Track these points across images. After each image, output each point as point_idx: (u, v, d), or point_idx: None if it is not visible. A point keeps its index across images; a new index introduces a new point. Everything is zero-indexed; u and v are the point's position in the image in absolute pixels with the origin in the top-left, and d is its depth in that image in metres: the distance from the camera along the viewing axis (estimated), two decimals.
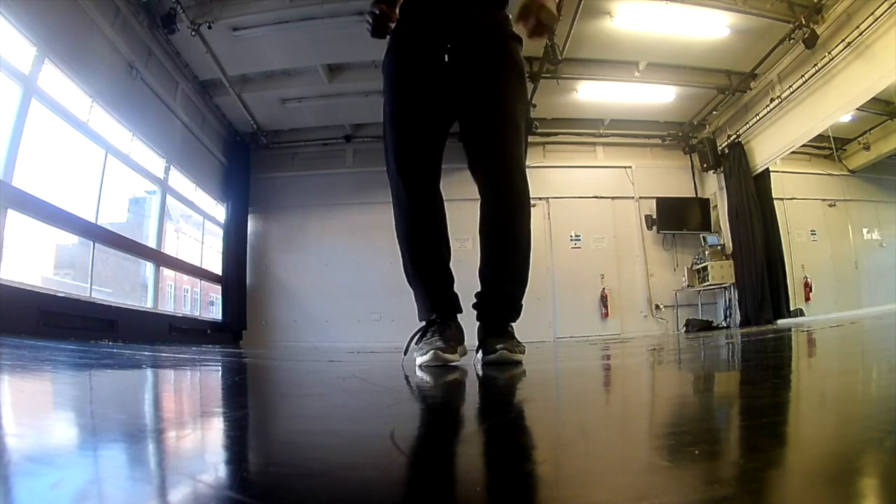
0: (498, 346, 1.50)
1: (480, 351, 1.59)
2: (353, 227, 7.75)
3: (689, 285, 7.99)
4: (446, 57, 1.66)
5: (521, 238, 1.65)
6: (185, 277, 7.37)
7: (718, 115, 7.82)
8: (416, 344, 1.61)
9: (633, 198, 8.24)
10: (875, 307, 6.44)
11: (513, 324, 1.66)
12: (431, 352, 1.50)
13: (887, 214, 8.35)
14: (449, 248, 1.75)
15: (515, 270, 1.65)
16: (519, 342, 1.59)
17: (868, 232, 8.39)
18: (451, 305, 1.69)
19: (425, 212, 1.71)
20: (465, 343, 1.67)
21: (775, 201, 7.62)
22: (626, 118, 7.91)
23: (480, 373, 1.39)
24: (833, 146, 8.19)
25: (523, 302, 1.68)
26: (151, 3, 5.43)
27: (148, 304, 6.01)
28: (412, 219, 1.70)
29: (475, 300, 1.69)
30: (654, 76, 6.86)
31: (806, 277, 7.77)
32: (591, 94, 7.19)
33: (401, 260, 1.74)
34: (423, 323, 1.66)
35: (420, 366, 1.51)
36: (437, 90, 1.68)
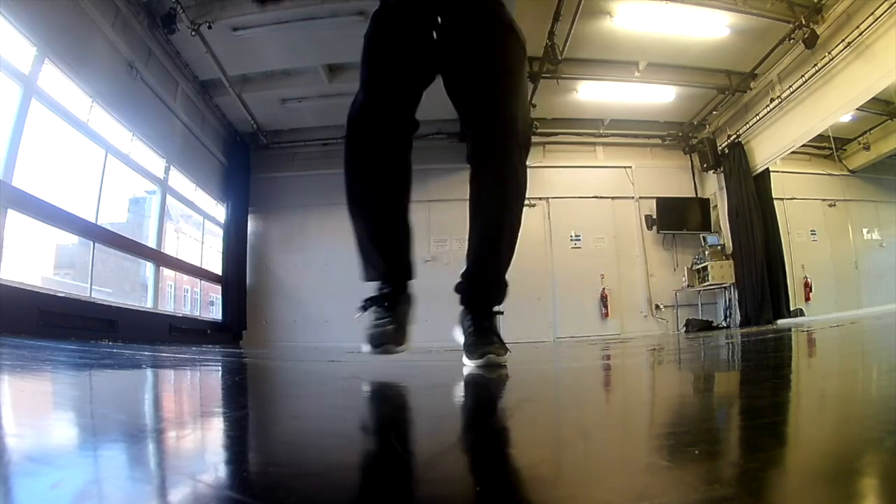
0: (485, 351, 1.44)
1: (465, 353, 1.50)
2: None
3: (689, 285, 7.99)
4: (434, 34, 1.51)
5: (512, 209, 1.51)
6: (185, 277, 7.38)
7: (718, 115, 7.82)
8: (363, 312, 1.52)
9: (633, 198, 8.25)
10: (875, 307, 6.44)
11: (498, 308, 1.57)
12: (381, 346, 1.44)
13: (887, 214, 8.35)
14: (410, 197, 1.58)
15: (505, 251, 1.52)
16: (503, 342, 1.50)
17: (868, 232, 8.39)
18: (407, 271, 1.56)
19: (394, 139, 1.52)
20: (414, 315, 1.57)
21: (775, 201, 7.63)
22: (626, 118, 7.92)
23: (477, 372, 1.39)
24: (833, 146, 8.19)
25: (508, 279, 1.57)
26: (151, 3, 5.43)
27: (148, 304, 6.01)
28: (376, 143, 1.51)
29: (460, 281, 1.57)
30: (654, 76, 6.87)
31: (806, 277, 7.77)
32: (591, 94, 7.19)
33: (346, 203, 1.56)
34: (373, 289, 1.54)
35: (365, 352, 1.47)
36: (421, 58, 1.53)
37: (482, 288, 1.56)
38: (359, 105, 1.51)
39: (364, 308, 1.53)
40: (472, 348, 1.48)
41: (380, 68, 1.53)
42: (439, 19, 1.50)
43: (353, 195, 1.55)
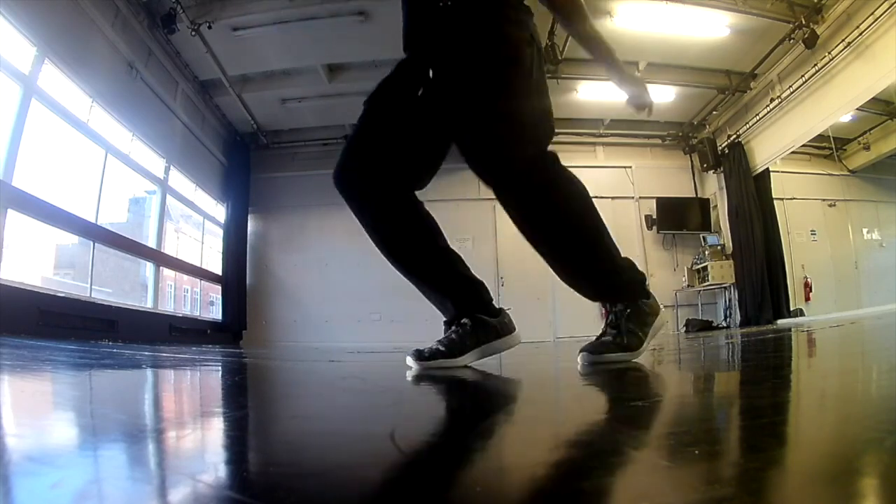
0: (580, 351, 1.49)
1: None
2: (353, 227, 7.53)
3: (689, 285, 7.99)
4: (420, 91, 1.47)
5: (553, 230, 1.47)
6: (185, 277, 7.38)
7: (718, 115, 7.82)
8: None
9: (633, 198, 8.25)
10: (875, 307, 6.44)
11: (622, 304, 1.52)
12: (416, 359, 1.48)
13: (887, 214, 8.35)
14: (444, 254, 1.56)
15: (576, 268, 1.51)
16: (619, 341, 1.48)
17: (868, 232, 8.39)
18: (460, 306, 1.56)
19: (394, 232, 1.54)
20: (505, 337, 1.57)
21: (775, 201, 7.62)
22: (626, 118, 7.91)
23: (482, 374, 1.39)
24: (833, 146, 8.19)
25: (611, 274, 1.52)
26: (151, 3, 5.43)
27: (148, 304, 6.01)
28: (379, 245, 1.55)
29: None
30: (654, 76, 6.86)
31: (806, 277, 7.77)
32: (591, 94, 7.19)
33: None
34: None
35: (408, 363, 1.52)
36: (411, 117, 1.50)
37: (591, 296, 1.57)
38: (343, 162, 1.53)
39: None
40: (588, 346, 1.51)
41: (357, 131, 1.53)
42: (431, 72, 1.46)
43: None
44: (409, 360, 1.49)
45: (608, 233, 1.50)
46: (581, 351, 1.50)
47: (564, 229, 1.47)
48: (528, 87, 1.44)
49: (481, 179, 1.48)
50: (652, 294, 1.57)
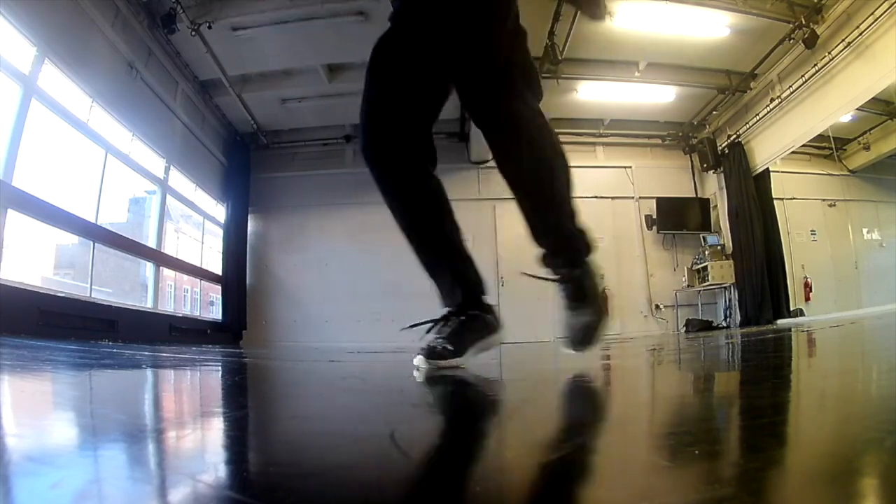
0: (569, 350, 1.49)
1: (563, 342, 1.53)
2: (353, 227, 7.75)
3: (689, 285, 7.99)
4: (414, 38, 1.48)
5: (549, 190, 1.47)
6: (185, 277, 7.38)
7: (718, 115, 7.82)
8: (426, 333, 1.54)
9: (633, 198, 8.25)
10: (875, 307, 6.44)
11: (585, 259, 1.52)
12: (419, 356, 1.45)
13: (887, 214, 8.35)
14: (456, 232, 1.57)
15: (550, 202, 1.49)
16: (592, 314, 1.49)
17: (868, 232, 8.39)
18: (471, 294, 1.55)
19: (416, 203, 1.51)
20: (495, 333, 1.56)
21: (775, 201, 7.63)
22: (626, 118, 7.92)
23: (483, 372, 1.39)
24: (833, 146, 8.19)
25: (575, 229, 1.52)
26: (151, 3, 5.43)
27: (148, 304, 6.01)
28: (402, 212, 1.51)
29: (539, 250, 1.55)
30: (654, 76, 6.86)
31: (806, 277, 7.77)
32: (591, 94, 7.19)
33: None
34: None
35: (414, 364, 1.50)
36: (414, 73, 1.49)
37: (554, 249, 1.53)
38: (361, 145, 1.50)
39: (418, 325, 1.55)
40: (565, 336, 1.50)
41: (375, 101, 1.51)
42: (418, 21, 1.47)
43: (399, 227, 1.56)
44: (419, 361, 1.44)
45: (572, 195, 1.52)
46: (571, 346, 1.48)
47: (546, 172, 1.47)
48: (517, 32, 1.48)
49: (477, 117, 1.46)
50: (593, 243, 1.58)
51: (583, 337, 1.47)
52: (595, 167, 8.24)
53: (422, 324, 1.54)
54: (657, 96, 7.33)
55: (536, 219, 1.51)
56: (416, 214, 1.53)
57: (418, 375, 1.33)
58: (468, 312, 1.52)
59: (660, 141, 8.37)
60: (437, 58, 1.47)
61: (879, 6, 5.09)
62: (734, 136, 7.65)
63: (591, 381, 1.32)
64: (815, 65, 5.98)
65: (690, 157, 8.41)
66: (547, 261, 1.55)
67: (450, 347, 1.46)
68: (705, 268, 7.74)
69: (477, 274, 1.58)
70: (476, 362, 1.52)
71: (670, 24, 5.83)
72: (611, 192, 8.19)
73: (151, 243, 6.22)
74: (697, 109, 7.78)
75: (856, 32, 5.39)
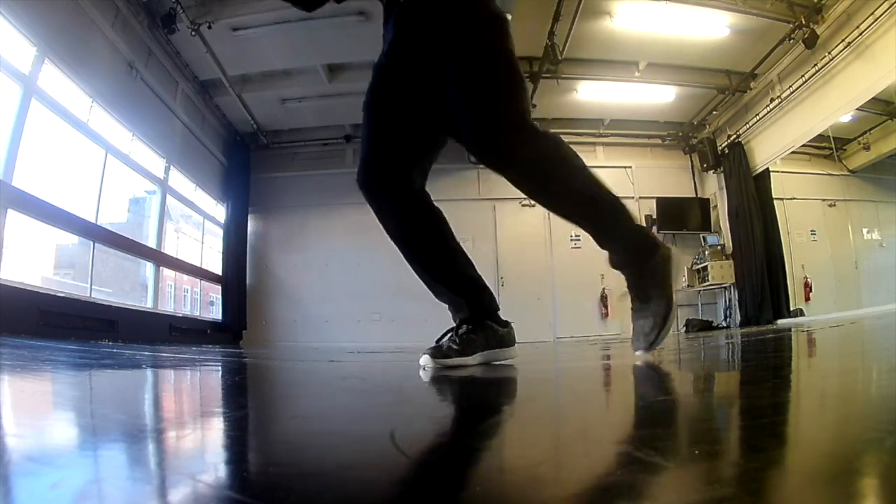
0: (638, 350, 1.44)
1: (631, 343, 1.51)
2: (353, 227, 7.73)
3: (689, 285, 8.00)
4: (384, 58, 1.52)
5: (562, 197, 1.46)
6: (185, 277, 7.38)
7: (718, 115, 7.82)
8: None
9: (633, 198, 8.24)
10: (875, 307, 6.44)
11: (650, 258, 1.44)
12: (425, 355, 1.48)
13: (887, 214, 8.35)
14: (456, 255, 1.59)
15: (588, 217, 1.48)
16: (655, 320, 1.41)
17: (868, 232, 8.39)
18: (477, 305, 1.58)
19: (409, 229, 1.56)
20: (507, 347, 1.58)
21: (775, 201, 7.63)
22: (626, 118, 7.92)
23: (482, 375, 1.39)
24: (833, 146, 8.19)
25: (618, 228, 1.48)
26: (151, 3, 5.43)
27: (148, 304, 6.01)
28: (396, 240, 1.57)
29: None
30: (654, 76, 6.87)
31: (806, 277, 7.77)
32: (591, 94, 7.19)
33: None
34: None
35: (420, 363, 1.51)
36: (409, 108, 1.52)
37: (612, 248, 1.50)
38: (357, 173, 1.55)
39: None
40: (635, 339, 1.48)
41: (368, 124, 1.55)
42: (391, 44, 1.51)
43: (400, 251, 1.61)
44: (425, 360, 1.47)
45: (611, 195, 1.47)
46: (638, 350, 1.43)
47: (558, 191, 1.45)
48: (510, 54, 1.48)
49: (475, 148, 1.45)
50: (658, 240, 1.53)
51: (643, 339, 1.43)
52: (595, 167, 8.13)
53: (442, 337, 1.57)
54: (657, 96, 7.34)
55: (587, 229, 1.51)
56: (411, 237, 1.57)
57: (423, 374, 1.34)
58: (481, 322, 1.56)
59: (660, 141, 8.37)
60: (434, 108, 1.48)
61: (879, 6, 5.09)
62: (734, 136, 7.66)
63: (590, 381, 1.32)
64: (815, 65, 5.98)
65: (690, 157, 8.41)
66: (612, 262, 1.53)
67: (455, 347, 1.49)
68: (705, 268, 7.75)
69: (482, 288, 1.61)
70: (477, 363, 1.52)
71: (670, 24, 5.83)
72: None
73: (151, 243, 6.22)
74: (697, 109, 7.78)
75: (856, 32, 5.39)
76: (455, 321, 1.59)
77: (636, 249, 1.47)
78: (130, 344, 3.67)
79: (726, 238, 7.92)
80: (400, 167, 1.53)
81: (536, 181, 1.46)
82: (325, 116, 7.50)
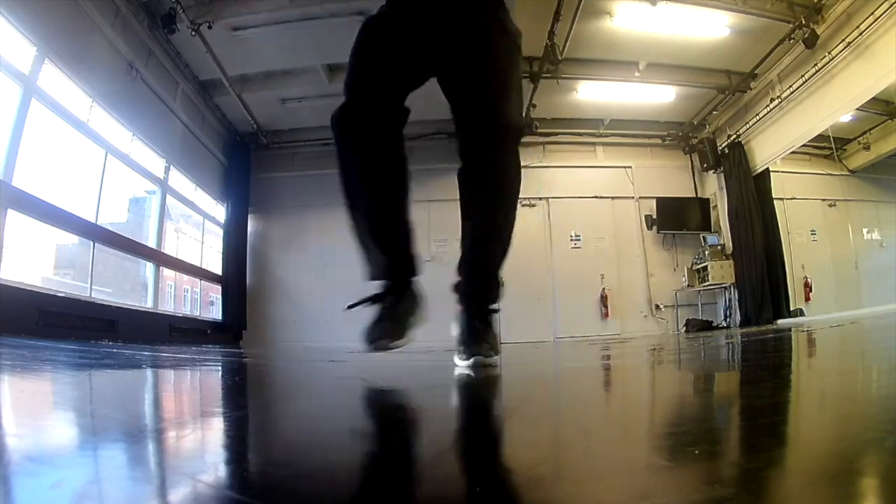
0: (473, 352, 1.48)
1: (456, 353, 1.53)
2: None
3: (689, 285, 7.99)
4: (426, 37, 1.53)
5: (505, 205, 1.52)
6: (185, 277, 7.38)
7: (718, 115, 7.82)
8: (361, 307, 1.55)
9: (633, 198, 8.25)
10: (875, 307, 6.43)
11: (493, 306, 1.58)
12: (375, 342, 1.45)
13: (887, 214, 8.35)
14: (408, 193, 1.58)
15: (498, 250, 1.55)
16: (493, 344, 1.52)
17: (868, 232, 8.39)
18: (410, 267, 1.56)
19: (380, 133, 1.52)
20: (422, 313, 1.57)
21: (775, 201, 7.63)
22: (626, 118, 7.92)
23: (473, 372, 1.39)
24: (833, 146, 8.19)
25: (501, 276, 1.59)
26: (151, 3, 5.43)
27: (148, 304, 6.01)
28: (369, 152, 1.52)
29: (457, 280, 1.59)
30: (654, 76, 6.86)
31: (806, 277, 7.77)
32: (591, 94, 7.19)
33: (346, 210, 1.58)
34: (377, 285, 1.55)
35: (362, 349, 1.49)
36: (409, 60, 1.53)
37: (475, 288, 1.59)
38: (343, 104, 1.54)
39: (360, 304, 1.54)
40: (462, 348, 1.52)
41: (365, 69, 1.56)
42: (432, 22, 1.52)
43: (349, 192, 1.57)
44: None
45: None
46: (472, 356, 1.49)
47: (510, 205, 1.53)
48: (519, 71, 1.57)
49: (465, 126, 1.49)
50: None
51: (484, 353, 1.50)
52: (595, 167, 8.24)
53: (361, 303, 1.56)
54: (657, 96, 7.33)
55: (479, 253, 1.56)
56: (379, 172, 1.55)
57: (423, 374, 1.34)
58: (404, 290, 1.55)
59: (660, 141, 8.37)
60: (435, 62, 1.52)
61: (879, 6, 5.09)
62: (734, 136, 7.65)
63: (589, 381, 1.32)
64: (815, 65, 5.98)
65: (690, 157, 8.41)
66: (460, 289, 1.60)
67: (392, 334, 1.48)
68: (705, 268, 7.74)
69: (414, 247, 1.60)
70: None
71: (670, 24, 5.83)
72: (611, 192, 8.19)
73: (151, 243, 6.22)
74: (697, 109, 7.78)
75: (856, 32, 5.39)
76: (375, 279, 1.55)
77: (495, 293, 1.59)
78: (130, 344, 3.67)
79: (726, 238, 7.92)
80: (397, 96, 1.52)
81: (500, 188, 1.50)
82: (325, 116, 7.24)
